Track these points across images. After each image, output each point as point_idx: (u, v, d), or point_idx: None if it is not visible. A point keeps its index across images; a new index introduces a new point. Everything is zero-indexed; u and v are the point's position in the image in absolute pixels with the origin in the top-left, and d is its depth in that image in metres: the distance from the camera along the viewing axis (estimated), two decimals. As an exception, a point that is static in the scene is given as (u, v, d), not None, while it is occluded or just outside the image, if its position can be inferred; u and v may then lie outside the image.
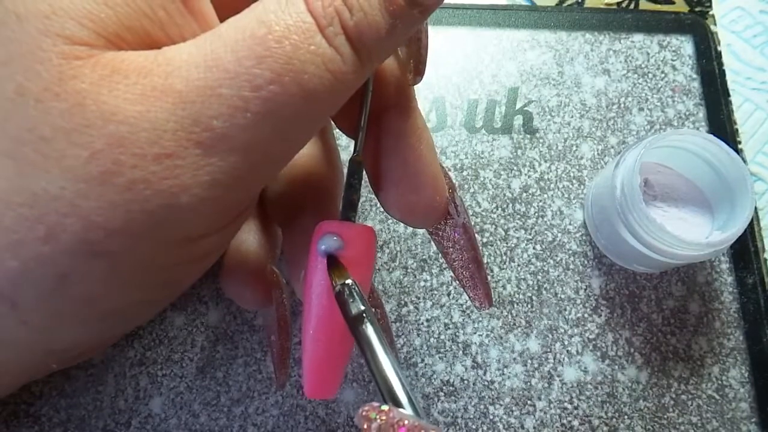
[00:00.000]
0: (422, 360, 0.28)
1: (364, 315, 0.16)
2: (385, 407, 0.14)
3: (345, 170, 0.20)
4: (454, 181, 0.21)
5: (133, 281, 0.17)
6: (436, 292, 0.29)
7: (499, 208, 0.31)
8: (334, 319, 0.17)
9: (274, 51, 0.14)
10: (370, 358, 0.15)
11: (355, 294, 0.16)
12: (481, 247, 0.30)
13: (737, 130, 0.33)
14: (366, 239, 0.19)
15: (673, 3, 0.36)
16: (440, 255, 0.27)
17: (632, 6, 0.36)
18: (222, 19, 0.18)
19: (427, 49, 0.20)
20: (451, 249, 0.21)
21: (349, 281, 0.17)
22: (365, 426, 0.13)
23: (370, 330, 0.15)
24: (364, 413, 0.13)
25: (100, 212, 0.14)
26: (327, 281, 0.17)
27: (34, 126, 0.14)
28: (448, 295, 0.29)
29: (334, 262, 0.17)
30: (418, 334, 0.28)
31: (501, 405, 0.27)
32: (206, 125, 0.14)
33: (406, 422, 0.13)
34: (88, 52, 0.14)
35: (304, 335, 0.18)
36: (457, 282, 0.23)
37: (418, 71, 0.21)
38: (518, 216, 0.31)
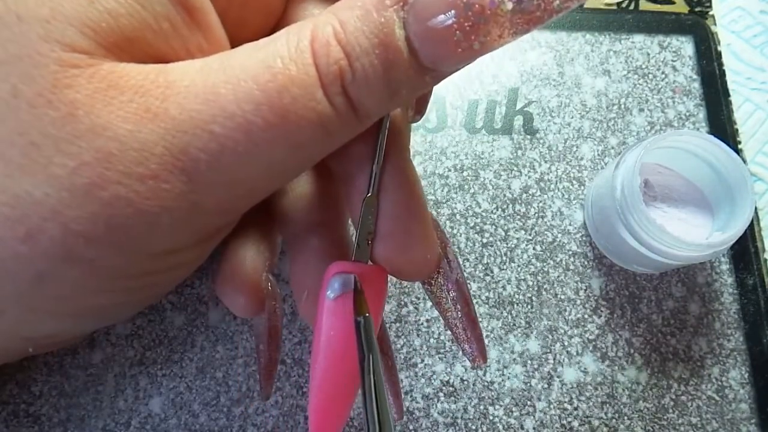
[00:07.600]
0: (422, 360, 0.28)
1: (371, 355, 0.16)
2: None
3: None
4: (446, 236, 0.20)
5: (108, 286, 0.17)
6: (436, 292, 0.29)
7: (499, 209, 0.31)
8: (344, 364, 0.17)
9: (273, 101, 0.14)
10: (368, 389, 0.16)
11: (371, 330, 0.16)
12: (481, 248, 0.30)
13: (737, 130, 0.33)
14: (378, 280, 0.18)
15: (673, 3, 0.36)
16: None
17: (632, 6, 0.36)
18: (228, 31, 0.18)
19: (432, 88, 0.19)
20: (444, 301, 0.20)
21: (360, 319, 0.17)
22: None
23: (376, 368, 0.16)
24: None
25: (80, 221, 0.14)
26: (338, 327, 0.17)
27: (25, 130, 0.14)
28: (448, 295, 0.29)
29: (358, 297, 0.17)
30: (418, 335, 0.28)
31: (501, 406, 0.27)
32: (193, 156, 0.14)
33: None
34: (86, 61, 0.14)
35: (311, 376, 0.18)
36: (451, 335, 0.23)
37: (419, 110, 0.20)
38: (518, 216, 0.31)
